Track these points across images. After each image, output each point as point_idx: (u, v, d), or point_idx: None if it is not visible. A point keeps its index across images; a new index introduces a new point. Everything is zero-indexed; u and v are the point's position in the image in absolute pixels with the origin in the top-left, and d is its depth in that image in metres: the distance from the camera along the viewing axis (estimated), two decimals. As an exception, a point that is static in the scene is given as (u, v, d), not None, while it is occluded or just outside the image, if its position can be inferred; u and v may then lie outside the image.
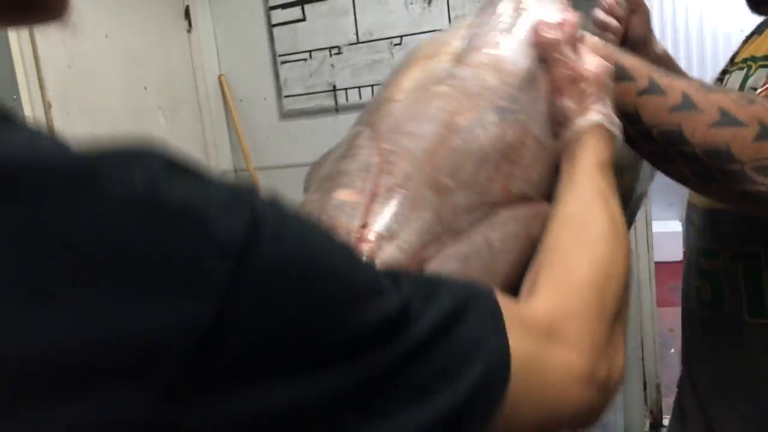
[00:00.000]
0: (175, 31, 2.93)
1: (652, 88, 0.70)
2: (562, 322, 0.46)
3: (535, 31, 0.72)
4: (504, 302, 0.44)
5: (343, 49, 2.91)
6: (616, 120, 0.68)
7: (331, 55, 2.93)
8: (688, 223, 1.00)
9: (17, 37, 2.14)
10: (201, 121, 3.03)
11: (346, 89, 2.91)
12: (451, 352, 0.37)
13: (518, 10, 0.75)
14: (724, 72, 0.97)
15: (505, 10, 0.75)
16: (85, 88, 2.40)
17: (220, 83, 3.08)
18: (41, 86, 2.23)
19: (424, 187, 0.59)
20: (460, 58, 0.71)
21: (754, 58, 0.88)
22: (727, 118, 0.67)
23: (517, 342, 0.41)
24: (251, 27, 3.03)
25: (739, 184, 0.68)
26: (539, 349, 0.44)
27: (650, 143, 0.71)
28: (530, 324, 0.44)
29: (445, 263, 0.55)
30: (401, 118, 0.66)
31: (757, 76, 0.85)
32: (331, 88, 2.94)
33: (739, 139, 0.66)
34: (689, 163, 0.70)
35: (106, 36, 2.54)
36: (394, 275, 0.38)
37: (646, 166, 1.17)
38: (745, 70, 0.89)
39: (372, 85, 2.90)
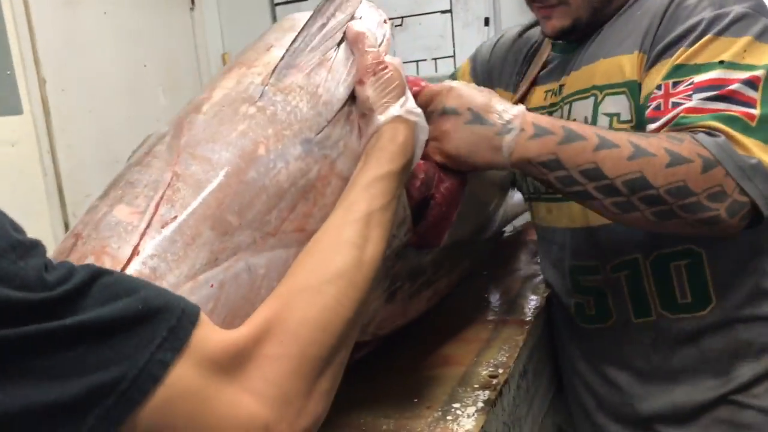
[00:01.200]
0: (178, 9, 2.94)
1: (604, 143, 0.75)
2: (252, 364, 0.45)
3: (348, 25, 0.70)
4: (202, 328, 0.44)
5: None
6: (417, 109, 0.67)
7: None
8: (552, 246, 1.02)
9: (12, 12, 2.17)
10: (203, 99, 3.06)
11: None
12: (92, 350, 0.39)
13: (351, 19, 0.70)
14: (554, 105, 0.99)
15: (337, 20, 0.70)
16: (82, 65, 2.41)
17: (224, 62, 3.11)
18: (36, 62, 2.26)
19: (204, 224, 0.54)
20: (277, 76, 0.65)
21: (596, 87, 0.92)
22: (676, 158, 0.73)
23: (187, 370, 0.42)
24: (254, 6, 3.02)
25: (696, 214, 0.74)
26: (209, 384, 0.43)
27: (613, 195, 0.75)
28: (213, 356, 0.44)
29: (198, 288, 0.52)
30: (201, 136, 0.61)
31: (609, 103, 0.89)
32: (332, 68, 2.97)
33: (692, 175, 0.73)
34: (652, 205, 0.74)
35: (105, 13, 2.56)
36: (80, 276, 0.41)
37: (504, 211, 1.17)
38: (592, 98, 0.92)
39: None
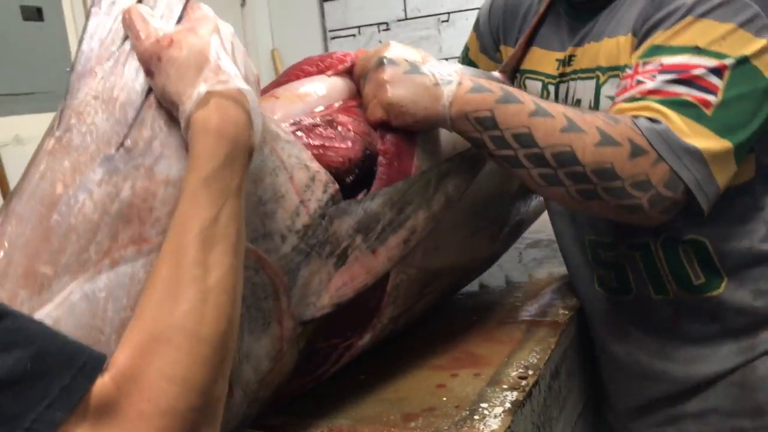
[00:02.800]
0: (229, 5, 3.00)
1: (540, 110, 0.74)
2: (127, 422, 0.43)
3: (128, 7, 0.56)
4: (100, 381, 0.42)
5: (391, 26, 2.86)
6: (230, 70, 0.53)
7: (379, 31, 2.89)
8: (569, 218, 1.00)
9: (72, 11, 2.27)
10: (252, 94, 3.13)
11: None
12: None
13: None
14: (564, 76, 0.95)
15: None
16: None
17: (273, 57, 3.16)
18: (93, 59, 2.35)
19: (18, 285, 0.50)
20: (71, 92, 0.55)
21: (600, 68, 0.88)
22: (606, 138, 0.72)
23: (81, 427, 0.41)
24: (303, 3, 3.06)
25: (619, 199, 0.74)
26: None
27: (541, 165, 0.74)
28: (91, 408, 0.42)
29: None
30: (18, 188, 0.54)
31: (610, 85, 0.86)
32: (379, 64, 2.98)
33: (618, 158, 0.72)
34: (577, 182, 0.74)
35: (159, 11, 2.64)
36: None
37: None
38: (595, 80, 0.89)
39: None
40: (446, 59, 2.83)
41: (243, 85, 0.53)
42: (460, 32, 2.75)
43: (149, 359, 0.44)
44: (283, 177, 0.64)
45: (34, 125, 1.98)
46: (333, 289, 0.70)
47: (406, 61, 0.76)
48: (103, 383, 0.43)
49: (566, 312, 1.03)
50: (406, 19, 2.86)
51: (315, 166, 0.67)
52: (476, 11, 3.04)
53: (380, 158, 0.75)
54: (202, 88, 0.51)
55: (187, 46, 0.53)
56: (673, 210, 0.76)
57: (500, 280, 1.19)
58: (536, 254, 1.33)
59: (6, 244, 0.51)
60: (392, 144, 0.76)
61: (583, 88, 0.91)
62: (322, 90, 0.79)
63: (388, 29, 2.90)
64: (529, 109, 0.74)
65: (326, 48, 3.01)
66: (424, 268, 0.83)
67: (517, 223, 1.11)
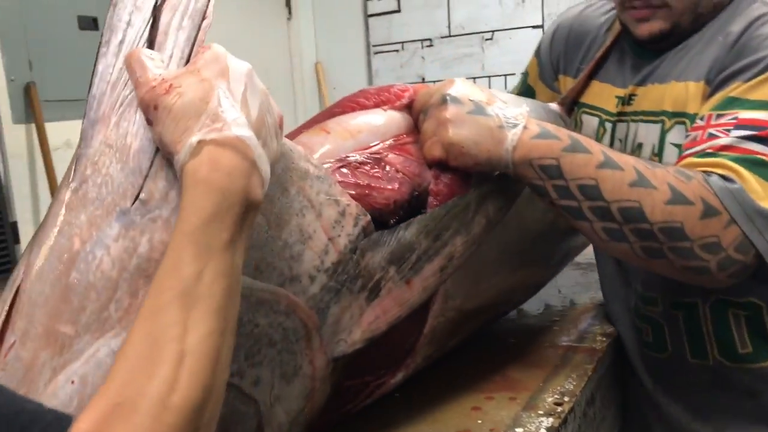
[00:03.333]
0: (276, 19, 3.03)
1: (609, 162, 0.70)
2: None
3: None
4: None
5: (435, 42, 2.85)
6: (229, 116, 0.49)
7: (422, 48, 2.89)
8: (616, 266, 0.96)
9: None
10: (294, 107, 3.14)
11: (434, 82, 2.92)
12: None
13: (154, 22, 0.54)
14: (624, 116, 0.91)
15: (135, 30, 0.54)
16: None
17: (317, 71, 3.20)
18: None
19: (39, 346, 0.49)
20: (85, 140, 0.52)
21: (666, 112, 0.85)
22: (678, 196, 0.69)
23: None
24: (348, 17, 3.01)
25: (686, 260, 0.70)
26: None
27: (606, 219, 0.71)
28: None
29: (61, 389, 0.48)
30: (38, 241, 0.52)
31: (677, 132, 0.83)
32: (420, 79, 2.90)
33: (690, 218, 0.68)
34: (643, 240, 0.70)
35: (207, 23, 2.70)
36: None
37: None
38: (660, 124, 0.86)
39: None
40: (489, 77, 2.85)
41: (242, 132, 0.49)
42: (504, 51, 2.73)
43: (112, 426, 0.41)
44: (310, 217, 0.62)
45: (84, 131, 2.04)
46: (365, 323, 0.68)
47: (471, 100, 0.73)
48: None
49: (603, 339, 1.02)
50: (450, 36, 2.86)
51: (345, 199, 0.65)
52: (520, 30, 3.03)
53: (431, 199, 0.72)
54: (194, 138, 0.47)
55: (186, 92, 0.49)
56: (742, 274, 0.72)
57: (538, 304, 1.18)
58: (576, 278, 1.32)
59: (26, 302, 0.50)
60: (445, 185, 0.73)
61: (646, 132, 0.87)
62: (375, 125, 0.76)
63: (431, 45, 2.91)
64: (597, 160, 0.70)
65: (369, 62, 3.03)
66: (464, 309, 0.80)
67: (563, 256, 1.08)
